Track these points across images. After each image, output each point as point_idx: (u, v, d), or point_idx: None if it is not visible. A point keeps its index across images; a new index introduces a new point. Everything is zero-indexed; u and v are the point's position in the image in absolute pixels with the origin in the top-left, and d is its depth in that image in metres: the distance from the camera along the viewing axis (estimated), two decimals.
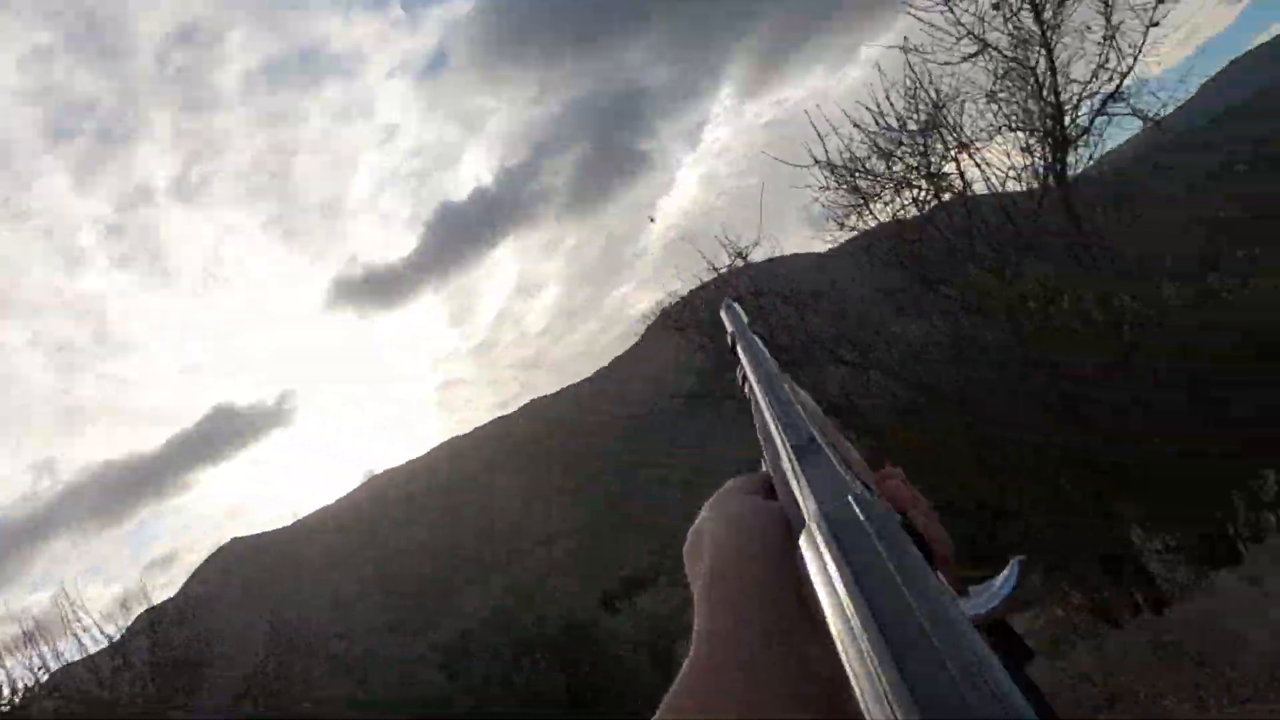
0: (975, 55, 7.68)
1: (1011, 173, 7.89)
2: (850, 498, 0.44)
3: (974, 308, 8.39)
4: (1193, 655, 4.81)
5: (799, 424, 0.60)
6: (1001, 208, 7.94)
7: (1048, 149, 7.93)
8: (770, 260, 9.66)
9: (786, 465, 0.56)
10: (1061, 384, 7.26)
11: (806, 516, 0.46)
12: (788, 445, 0.57)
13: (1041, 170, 7.85)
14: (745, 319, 0.94)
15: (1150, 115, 7.66)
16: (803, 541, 0.44)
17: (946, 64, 7.82)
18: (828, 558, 0.40)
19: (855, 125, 7.97)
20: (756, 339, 0.87)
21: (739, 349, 0.87)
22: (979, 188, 8.03)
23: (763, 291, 8.37)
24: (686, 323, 9.22)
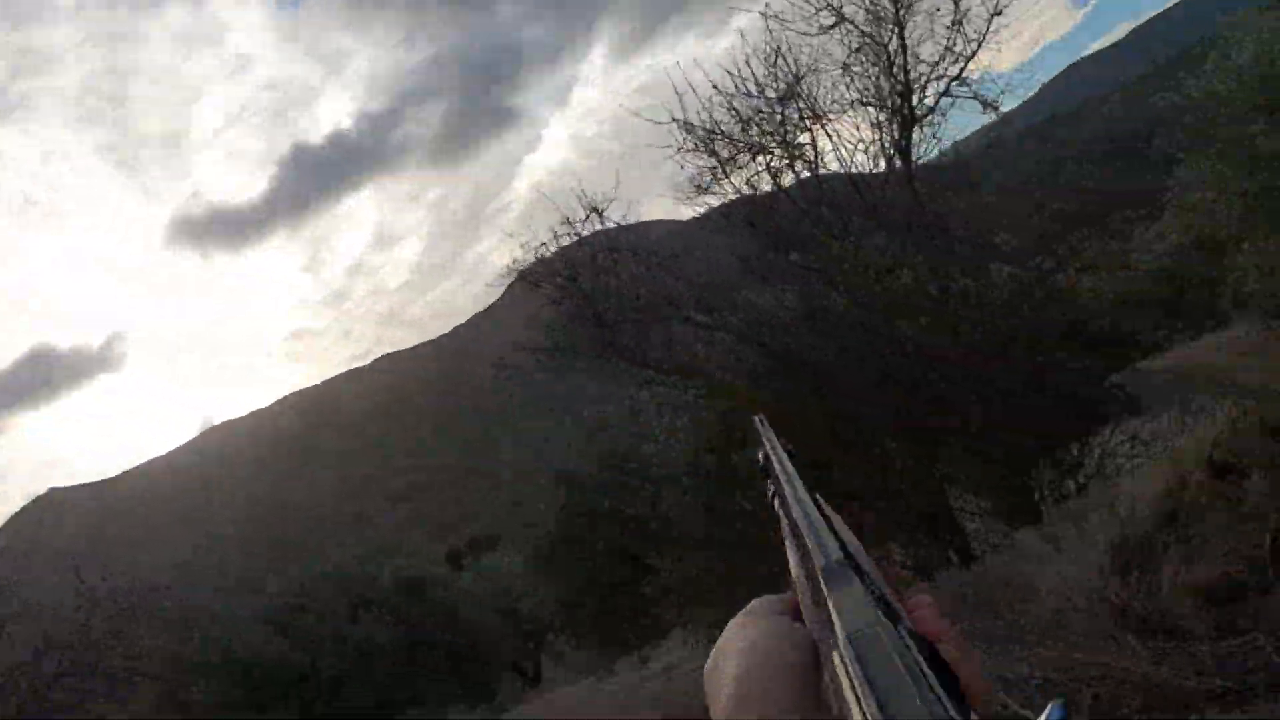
0: (833, 27, 7.87)
1: (860, 145, 8.17)
2: (879, 626, 0.44)
3: (825, 276, 8.68)
4: (991, 605, 5.18)
5: (829, 546, 0.60)
6: (850, 179, 8.22)
7: (896, 126, 8.23)
8: (635, 224, 9.67)
9: (816, 588, 0.56)
10: (902, 355, 7.63)
11: (835, 642, 0.46)
12: (818, 568, 0.57)
13: (889, 146, 8.16)
14: (775, 436, 0.94)
15: (989, 101, 8.09)
16: (831, 666, 0.44)
17: (805, 34, 7.99)
18: (855, 685, 0.40)
19: (714, 87, 8.03)
20: (787, 455, 0.87)
21: (771, 466, 0.87)
22: (830, 159, 8.28)
23: (618, 248, 8.35)
24: (542, 277, 9.10)
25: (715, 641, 0.64)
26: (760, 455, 0.92)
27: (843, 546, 0.60)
